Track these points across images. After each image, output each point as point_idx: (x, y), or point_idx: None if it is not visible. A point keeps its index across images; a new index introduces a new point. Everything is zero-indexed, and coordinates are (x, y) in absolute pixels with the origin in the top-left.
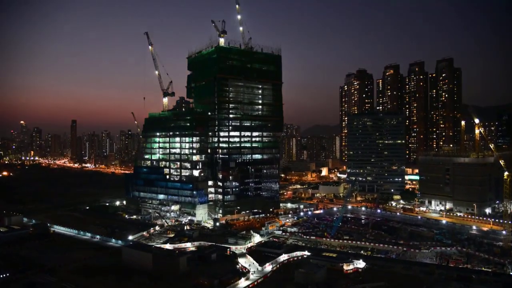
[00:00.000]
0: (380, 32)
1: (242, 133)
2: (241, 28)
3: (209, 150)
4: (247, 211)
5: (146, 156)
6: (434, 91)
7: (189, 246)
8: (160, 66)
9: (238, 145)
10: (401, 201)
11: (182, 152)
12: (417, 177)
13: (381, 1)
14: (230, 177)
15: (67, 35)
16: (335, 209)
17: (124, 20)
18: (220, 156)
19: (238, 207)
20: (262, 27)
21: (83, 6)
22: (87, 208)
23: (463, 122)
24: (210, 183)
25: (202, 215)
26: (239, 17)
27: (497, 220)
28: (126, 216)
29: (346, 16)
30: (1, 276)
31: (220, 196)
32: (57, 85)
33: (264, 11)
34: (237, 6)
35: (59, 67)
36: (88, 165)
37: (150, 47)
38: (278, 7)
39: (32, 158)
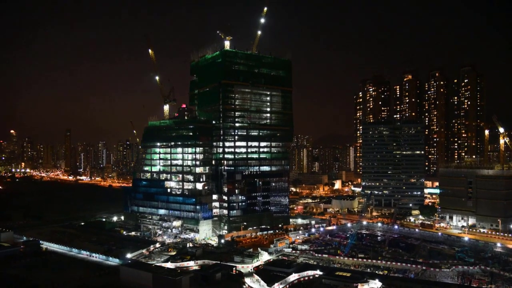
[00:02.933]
0: (397, 35)
1: (249, 143)
2: (259, 32)
3: (213, 162)
4: (255, 227)
5: (146, 168)
6: (456, 98)
7: (192, 265)
8: (161, 71)
9: (244, 156)
10: (420, 217)
11: (184, 164)
12: (437, 191)
13: (396, 4)
14: (236, 190)
15: (62, 37)
16: (349, 225)
17: (123, 21)
18: (225, 168)
19: (245, 223)
20: (269, 29)
21: (78, 8)
22: (82, 224)
23: (486, 132)
24: (214, 197)
25: (206, 231)
26: (262, 20)
27: None
28: (124, 232)
29: (359, 19)
30: None
31: (225, 211)
32: (51, 91)
33: (270, 13)
34: (265, 8)
35: (52, 72)
36: (83, 177)
37: (150, 50)
38: (287, 10)
39: (23, 170)
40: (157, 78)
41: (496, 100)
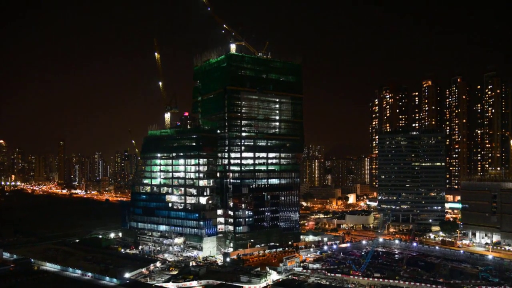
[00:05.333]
0: (415, 39)
1: (257, 154)
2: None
3: (218, 174)
4: (262, 245)
5: (145, 181)
6: (479, 105)
7: (195, 285)
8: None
9: (251, 168)
10: (441, 233)
11: (187, 176)
12: (459, 205)
13: (413, 6)
14: (243, 205)
15: (55, 39)
16: (364, 242)
17: (120, 24)
18: (231, 180)
19: (252, 240)
20: (278, 32)
21: (73, 11)
22: (77, 241)
23: None
24: (219, 212)
25: (210, 249)
26: None
27: None
28: (122, 250)
29: (375, 21)
30: None
31: (231, 227)
32: (43, 99)
33: (279, 16)
34: None
35: (44, 78)
36: (78, 191)
37: (156, 54)
38: (296, 11)
39: (13, 183)
40: (160, 84)
41: None
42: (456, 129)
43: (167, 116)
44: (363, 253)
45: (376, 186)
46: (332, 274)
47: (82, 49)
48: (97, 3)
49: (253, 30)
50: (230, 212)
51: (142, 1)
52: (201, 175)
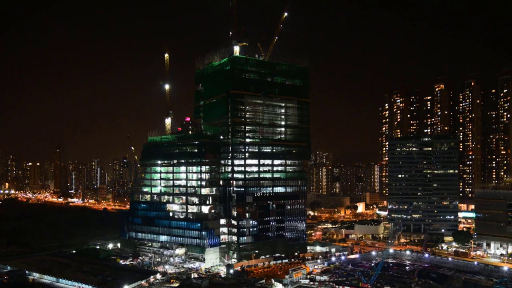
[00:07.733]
0: (427, 42)
1: (261, 161)
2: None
3: (221, 182)
4: (267, 256)
5: (145, 189)
6: (494, 110)
7: None
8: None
9: (256, 175)
10: (454, 244)
11: (188, 184)
12: (473, 215)
13: (425, 8)
14: (247, 214)
15: (52, 41)
16: (374, 253)
17: (119, 31)
18: (235, 189)
19: (257, 251)
20: (284, 34)
21: (71, 20)
22: (74, 252)
23: None
24: (222, 221)
25: (212, 260)
26: (285, 14)
27: None
28: (121, 261)
29: (386, 23)
30: None
31: (234, 238)
32: (38, 105)
33: (285, 17)
34: (285, 14)
35: (40, 81)
36: (74, 200)
37: (166, 55)
38: (303, 11)
39: (7, 191)
40: (167, 87)
41: None
42: (470, 135)
43: (168, 121)
44: (372, 264)
45: (386, 194)
46: (341, 287)
47: (80, 55)
48: (94, 10)
49: (258, 32)
50: (234, 222)
51: (142, 5)
52: (203, 183)
